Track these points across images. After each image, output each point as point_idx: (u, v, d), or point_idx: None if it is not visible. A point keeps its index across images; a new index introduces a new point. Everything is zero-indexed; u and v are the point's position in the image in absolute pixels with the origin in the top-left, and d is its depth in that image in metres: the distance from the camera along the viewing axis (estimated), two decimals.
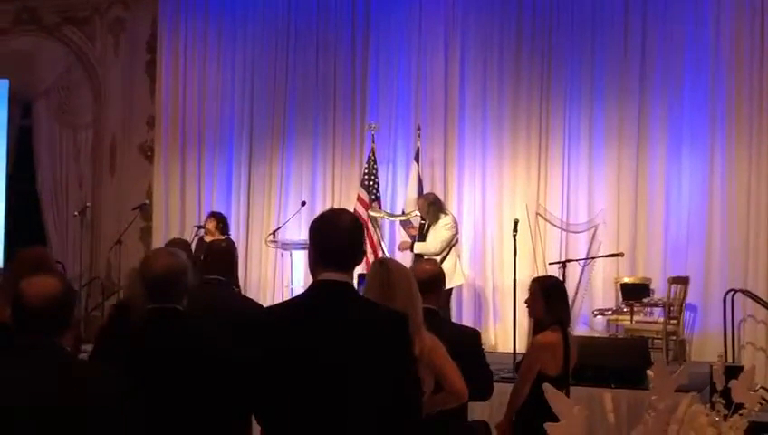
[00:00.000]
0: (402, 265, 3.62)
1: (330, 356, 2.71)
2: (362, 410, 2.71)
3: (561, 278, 8.19)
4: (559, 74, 9.85)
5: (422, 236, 8.82)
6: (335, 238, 2.81)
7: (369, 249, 9.02)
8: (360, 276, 4.17)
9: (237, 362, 2.98)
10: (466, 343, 4.09)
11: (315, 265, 2.84)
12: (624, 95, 9.57)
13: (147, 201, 10.99)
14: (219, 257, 4.62)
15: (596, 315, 9.13)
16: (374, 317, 2.83)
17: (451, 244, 8.70)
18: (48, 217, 11.69)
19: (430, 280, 4.07)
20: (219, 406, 3.07)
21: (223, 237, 8.91)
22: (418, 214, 9.02)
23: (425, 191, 9.42)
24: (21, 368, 2.46)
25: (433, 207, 8.79)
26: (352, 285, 2.86)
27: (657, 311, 8.75)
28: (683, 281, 8.66)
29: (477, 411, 5.03)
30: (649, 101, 9.52)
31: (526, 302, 4.92)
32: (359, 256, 2.90)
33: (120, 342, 3.44)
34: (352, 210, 9.23)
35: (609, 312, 8.99)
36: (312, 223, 2.91)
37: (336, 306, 2.78)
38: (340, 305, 2.78)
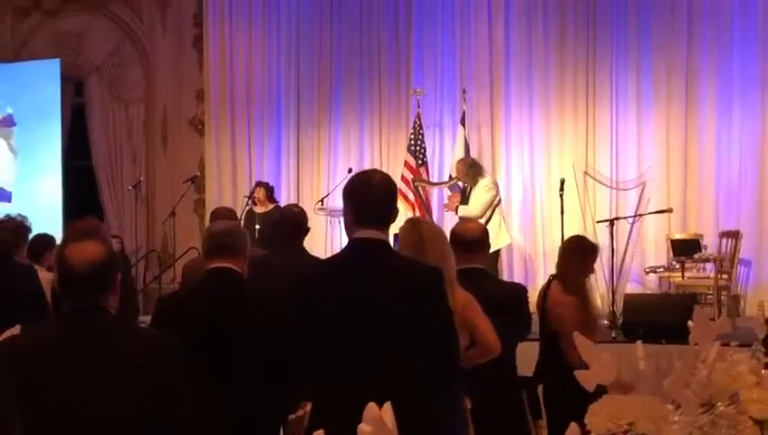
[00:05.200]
0: (434, 224, 3.67)
1: (368, 309, 2.80)
2: (403, 361, 2.78)
3: (609, 236, 8.19)
4: (605, 30, 9.74)
5: (464, 200, 8.81)
6: (368, 197, 2.90)
7: (417, 212, 9.06)
8: (395, 236, 4.23)
9: (282, 318, 3.10)
10: (510, 298, 4.13)
11: (351, 224, 2.94)
12: (672, 48, 9.44)
13: (198, 173, 11.12)
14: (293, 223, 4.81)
15: (648, 273, 9.04)
16: (410, 271, 2.92)
17: (493, 205, 8.65)
18: (104, 192, 11.90)
19: (474, 238, 4.08)
20: (269, 360, 3.23)
21: (273, 205, 9.11)
22: None
23: (472, 154, 9.42)
24: (67, 329, 2.58)
25: (472, 170, 8.77)
26: (388, 242, 2.96)
27: (710, 266, 8.65)
28: (734, 235, 8.53)
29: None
30: (698, 53, 9.37)
31: None
32: (392, 213, 2.98)
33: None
34: (400, 176, 9.30)
35: (661, 269, 8.91)
36: (346, 184, 3.01)
37: (372, 262, 2.87)
38: (376, 261, 2.88)
